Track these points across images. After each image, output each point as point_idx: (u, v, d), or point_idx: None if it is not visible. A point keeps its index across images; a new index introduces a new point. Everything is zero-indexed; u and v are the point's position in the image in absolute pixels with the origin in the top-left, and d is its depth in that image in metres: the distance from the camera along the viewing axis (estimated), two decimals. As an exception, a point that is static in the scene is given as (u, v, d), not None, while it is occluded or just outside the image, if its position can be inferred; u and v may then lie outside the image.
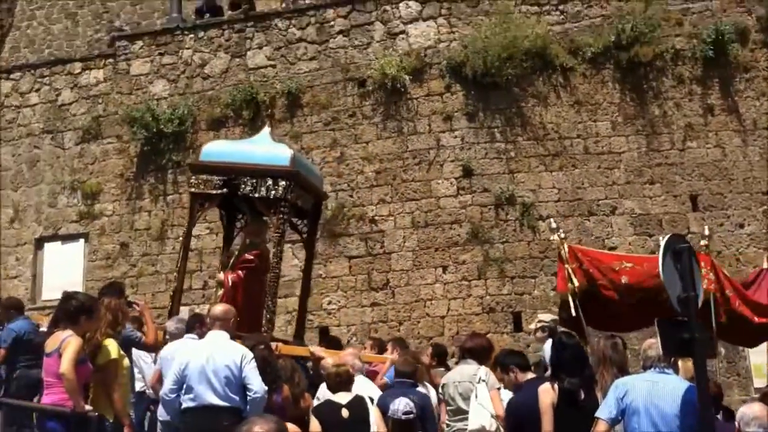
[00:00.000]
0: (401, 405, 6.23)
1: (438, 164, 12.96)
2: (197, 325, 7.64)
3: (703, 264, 9.03)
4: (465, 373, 7.19)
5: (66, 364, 5.75)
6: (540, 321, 9.33)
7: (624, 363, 6.21)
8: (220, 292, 8.37)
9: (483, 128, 12.95)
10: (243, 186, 8.39)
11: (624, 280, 9.57)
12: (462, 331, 12.27)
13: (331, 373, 6.82)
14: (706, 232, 10.43)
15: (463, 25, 13.31)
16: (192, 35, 14.55)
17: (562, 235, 9.92)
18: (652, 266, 9.33)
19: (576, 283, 9.44)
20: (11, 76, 15.54)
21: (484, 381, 6.96)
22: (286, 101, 13.73)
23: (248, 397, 6.19)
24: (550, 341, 8.66)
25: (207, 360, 6.24)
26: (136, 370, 8.02)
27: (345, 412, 6.48)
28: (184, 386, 6.25)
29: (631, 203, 12.61)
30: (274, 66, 14.01)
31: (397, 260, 12.79)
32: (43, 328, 8.55)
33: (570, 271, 9.55)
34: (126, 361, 6.54)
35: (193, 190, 8.72)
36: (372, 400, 6.83)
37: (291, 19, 14.06)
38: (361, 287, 12.92)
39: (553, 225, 10.46)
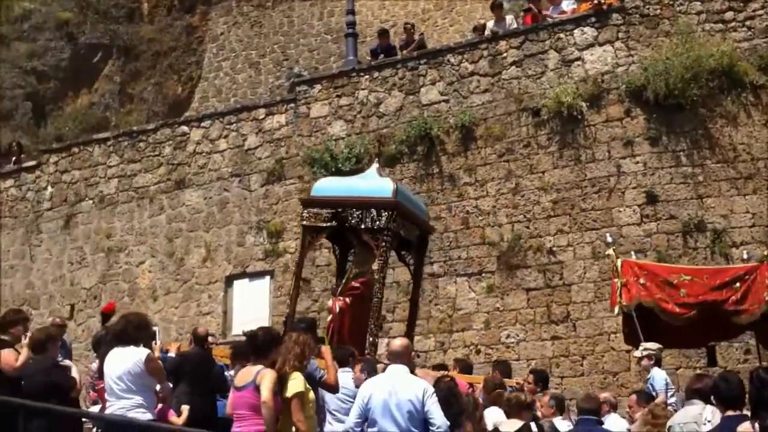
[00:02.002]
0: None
1: (619, 191, 12.48)
2: None
3: (766, 273, 9.26)
4: (689, 415, 6.88)
5: (267, 393, 5.93)
6: (646, 349, 9.15)
7: None
8: (329, 318, 8.85)
9: (667, 152, 12.36)
10: (350, 218, 8.84)
11: (682, 293, 9.41)
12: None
13: (507, 398, 6.71)
14: (609, 240, 10.27)
15: (642, 48, 12.82)
16: (367, 76, 14.93)
17: (614, 247, 10.05)
18: (712, 279, 9.49)
19: (623, 299, 9.46)
20: (202, 124, 16.54)
21: (709, 422, 6.61)
22: (459, 135, 13.75)
23: (431, 431, 6.15)
24: (656, 369, 8.89)
25: (389, 394, 6.27)
26: None
27: None
28: (368, 419, 6.31)
29: (838, 227, 11.56)
30: (447, 101, 14.09)
31: (578, 292, 12.38)
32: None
33: (620, 285, 9.55)
34: (311, 395, 6.64)
35: (304, 223, 9.16)
36: (541, 428, 6.66)
37: (463, 54, 14.11)
38: (541, 320, 12.59)
39: (609, 239, 10.49)
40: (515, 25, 14.36)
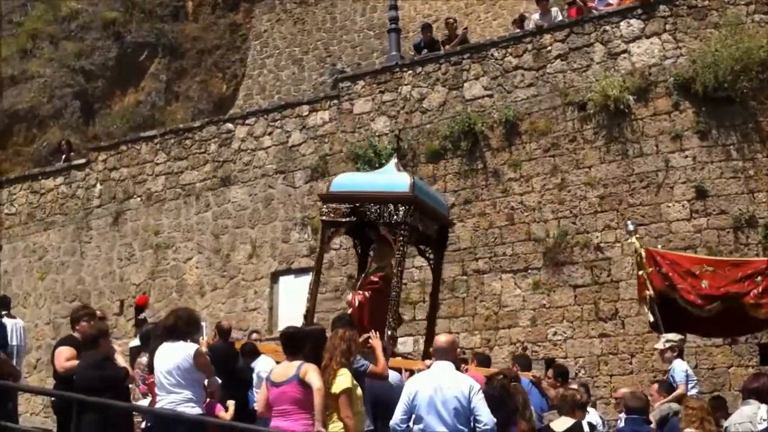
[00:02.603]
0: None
1: (668, 186, 12.28)
2: None
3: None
4: (744, 414, 6.81)
5: (319, 382, 6.03)
6: (669, 341, 9.15)
7: None
8: (349, 311, 8.89)
9: (717, 146, 12.12)
10: (368, 213, 8.97)
11: (704, 284, 9.34)
12: (701, 364, 11.46)
13: (558, 396, 6.65)
14: (630, 228, 10.03)
15: (691, 40, 12.59)
16: (410, 71, 14.89)
17: (637, 236, 9.87)
18: (734, 271, 9.37)
19: (651, 290, 9.39)
20: (246, 121, 16.67)
21: (765, 421, 6.55)
22: (504, 130, 13.65)
23: (477, 429, 6.13)
24: (677, 361, 8.91)
25: (435, 391, 6.26)
26: None
27: None
28: (413, 416, 6.29)
29: None
30: (491, 95, 14.00)
31: (626, 289, 12.20)
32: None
33: (646, 276, 9.49)
34: (359, 391, 6.67)
35: (324, 218, 9.28)
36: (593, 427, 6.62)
37: (507, 48, 14.00)
38: (588, 317, 12.45)
39: (630, 227, 10.20)
40: (560, 18, 14.21)
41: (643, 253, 9.70)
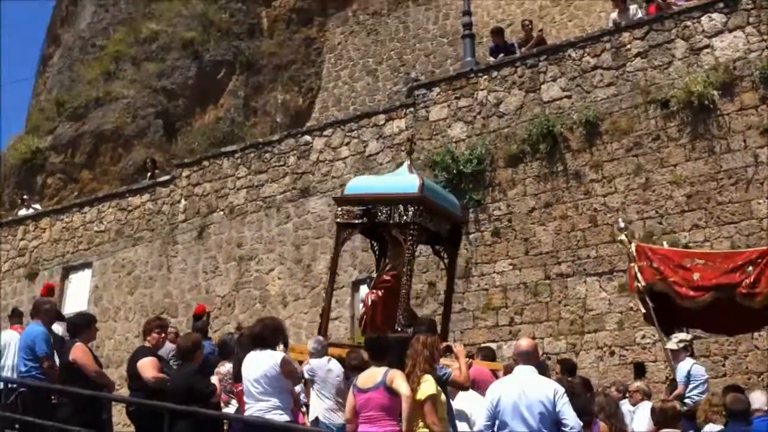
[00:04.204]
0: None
1: (758, 182, 11.86)
2: None
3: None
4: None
5: (407, 389, 6.01)
6: (682, 341, 9.33)
7: None
8: (363, 309, 9.36)
9: (808, 140, 11.66)
10: (379, 214, 9.34)
11: (696, 276, 9.45)
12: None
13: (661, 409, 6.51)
14: (621, 224, 10.05)
15: (776, 31, 12.16)
16: (486, 76, 14.80)
17: (627, 233, 10.08)
18: (725, 262, 9.48)
19: (642, 282, 9.54)
20: (324, 133, 16.83)
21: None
22: (584, 131, 13.42)
23: (563, 433, 6.02)
24: (684, 362, 9.14)
25: (519, 396, 6.18)
26: None
27: None
28: (497, 422, 6.23)
29: None
30: (569, 97, 13.79)
31: (718, 289, 11.79)
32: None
33: (637, 269, 9.66)
34: (443, 396, 6.62)
35: (338, 220, 9.73)
36: None
37: (584, 48, 13.79)
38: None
39: (621, 224, 10.41)
40: (639, 15, 13.92)
41: (634, 249, 9.86)
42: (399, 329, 8.84)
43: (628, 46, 13.38)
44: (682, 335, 9.46)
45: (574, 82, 13.79)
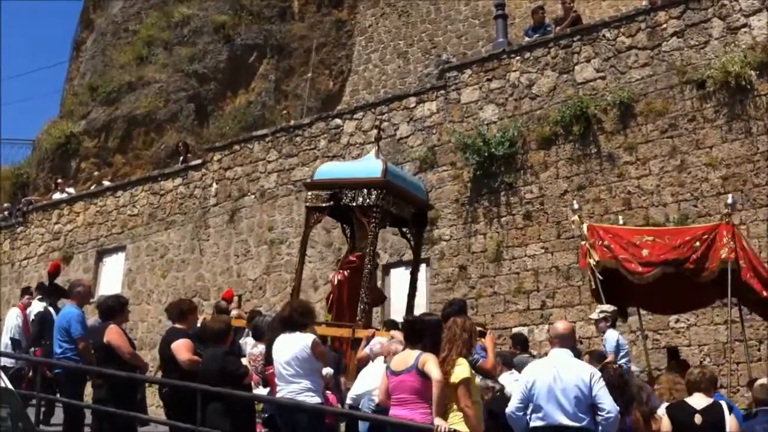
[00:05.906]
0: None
1: (796, 165, 11.63)
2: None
3: (725, 233, 9.44)
4: None
5: (439, 373, 5.98)
6: (603, 311, 9.62)
7: None
8: (330, 289, 9.84)
9: None
10: (345, 198, 9.86)
11: (645, 252, 9.74)
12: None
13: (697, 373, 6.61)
14: (729, 201, 9.97)
15: (817, 8, 11.87)
16: (518, 57, 14.63)
17: (579, 213, 10.77)
18: (673, 238, 9.75)
19: (596, 258, 9.90)
20: (354, 116, 16.77)
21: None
22: (618, 112, 13.24)
23: (600, 418, 6.00)
24: (610, 330, 9.48)
25: (554, 379, 6.14)
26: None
27: (698, 418, 6.31)
28: (531, 405, 6.19)
29: None
30: (603, 78, 13.60)
31: (754, 273, 11.59)
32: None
33: (589, 246, 10.03)
34: (477, 380, 6.58)
35: (307, 204, 10.31)
36: (731, 408, 6.42)
37: (619, 28, 13.57)
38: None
39: (575, 206, 11.19)
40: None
41: (585, 228, 10.25)
42: (362, 306, 9.42)
43: (664, 26, 13.14)
44: (605, 306, 9.72)
45: (609, 63, 13.58)
